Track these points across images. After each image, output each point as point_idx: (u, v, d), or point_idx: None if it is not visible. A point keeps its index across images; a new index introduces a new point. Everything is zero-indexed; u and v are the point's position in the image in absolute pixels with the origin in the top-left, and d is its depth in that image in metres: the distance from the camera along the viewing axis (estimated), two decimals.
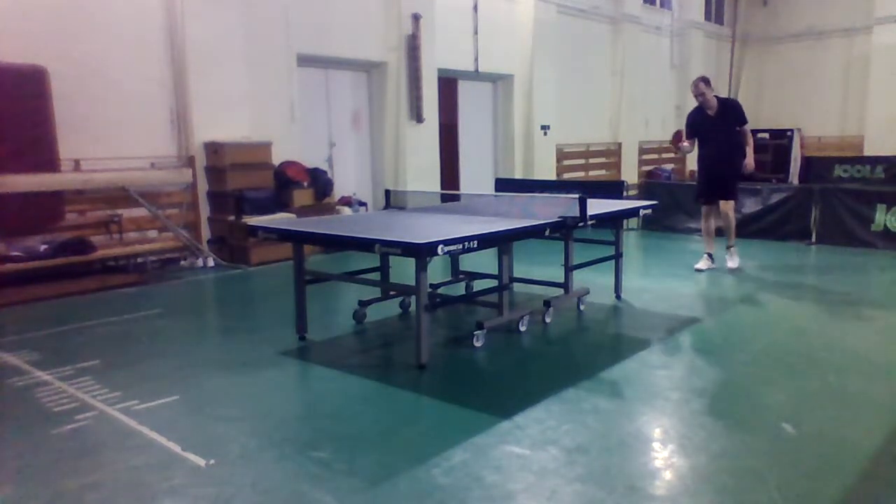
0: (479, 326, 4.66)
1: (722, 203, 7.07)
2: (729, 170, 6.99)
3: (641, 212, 6.34)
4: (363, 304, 5.36)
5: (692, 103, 7.16)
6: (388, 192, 6.28)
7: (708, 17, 17.19)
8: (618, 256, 5.97)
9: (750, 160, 6.97)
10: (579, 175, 13.64)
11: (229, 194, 7.88)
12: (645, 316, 5.52)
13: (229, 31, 8.04)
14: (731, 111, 7.00)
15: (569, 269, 5.35)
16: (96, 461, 3.11)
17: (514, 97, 12.33)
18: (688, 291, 6.29)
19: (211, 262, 7.85)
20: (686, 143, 7.15)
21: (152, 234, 7.59)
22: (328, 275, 5.40)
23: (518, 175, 12.20)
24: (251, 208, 7.83)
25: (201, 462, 3.05)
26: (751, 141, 7.06)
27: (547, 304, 5.22)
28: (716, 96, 6.98)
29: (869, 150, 15.19)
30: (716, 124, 6.91)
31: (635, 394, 3.83)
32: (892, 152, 14.06)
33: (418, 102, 10.12)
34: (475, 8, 11.18)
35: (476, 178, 12.05)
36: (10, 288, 6.06)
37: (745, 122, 7.00)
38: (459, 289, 6.10)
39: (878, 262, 7.70)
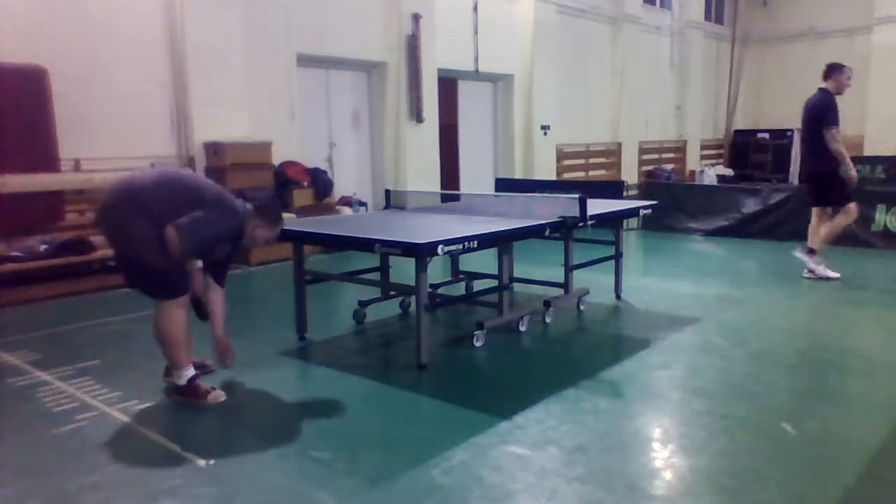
0: (479, 326, 4.66)
1: None
2: None
3: (641, 212, 6.35)
4: (363, 304, 5.35)
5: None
6: (388, 192, 6.27)
7: (708, 17, 17.17)
8: (618, 256, 5.97)
9: None
10: (579, 175, 13.64)
11: None
12: (645, 316, 5.52)
13: (229, 31, 8.04)
14: None
15: (569, 269, 5.35)
16: (96, 461, 3.11)
17: (514, 97, 12.32)
18: (688, 291, 6.29)
19: None
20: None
21: None
22: (328, 275, 5.41)
23: (518, 175, 12.18)
24: None
25: (201, 462, 3.05)
26: None
27: (547, 304, 5.22)
28: None
29: (869, 150, 15.15)
30: None
31: (635, 394, 3.83)
32: (892, 152, 14.05)
33: (418, 102, 10.11)
34: (475, 8, 11.17)
35: (476, 178, 12.04)
36: (10, 288, 6.06)
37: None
38: (459, 289, 6.10)
39: (878, 262, 7.70)
